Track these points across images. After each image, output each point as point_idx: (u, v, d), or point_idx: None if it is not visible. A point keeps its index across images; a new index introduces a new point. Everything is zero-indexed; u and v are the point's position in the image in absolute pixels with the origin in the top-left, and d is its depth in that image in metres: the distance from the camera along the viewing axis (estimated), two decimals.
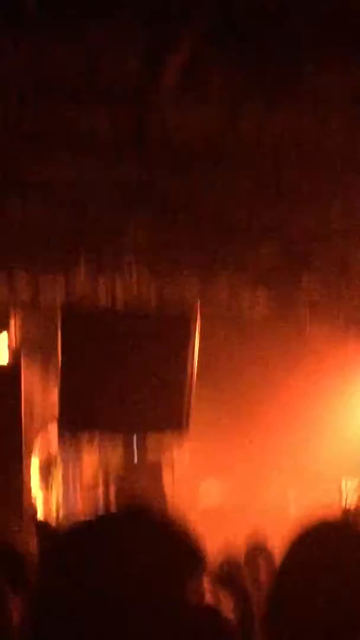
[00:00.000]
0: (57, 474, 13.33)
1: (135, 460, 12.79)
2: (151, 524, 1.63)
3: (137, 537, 1.59)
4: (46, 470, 13.08)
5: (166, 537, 1.61)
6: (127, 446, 12.63)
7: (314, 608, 1.93)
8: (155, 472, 13.32)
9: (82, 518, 1.67)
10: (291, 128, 7.56)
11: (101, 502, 12.86)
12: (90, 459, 13.51)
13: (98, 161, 8.36)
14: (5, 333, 12.39)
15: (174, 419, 11.83)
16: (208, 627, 1.56)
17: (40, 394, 13.11)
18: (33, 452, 12.69)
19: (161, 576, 1.53)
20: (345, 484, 9.56)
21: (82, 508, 13.37)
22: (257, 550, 6.74)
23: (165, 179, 8.84)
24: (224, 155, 8.34)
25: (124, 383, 11.65)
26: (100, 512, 1.88)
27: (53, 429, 12.32)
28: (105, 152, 8.14)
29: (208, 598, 1.56)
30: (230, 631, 2.31)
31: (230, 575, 4.10)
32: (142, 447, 12.58)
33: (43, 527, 6.87)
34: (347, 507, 8.88)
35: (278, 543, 7.05)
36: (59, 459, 13.18)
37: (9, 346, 12.31)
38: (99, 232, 10.19)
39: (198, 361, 11.82)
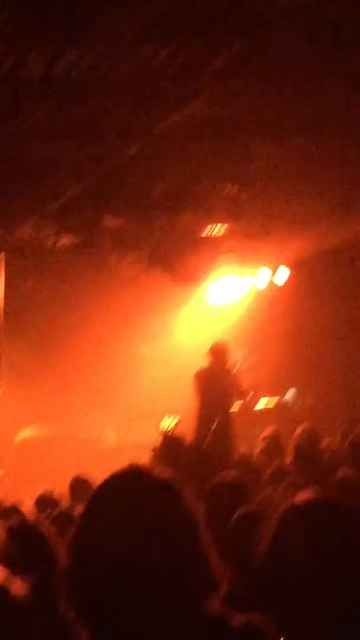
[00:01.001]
0: None
1: None
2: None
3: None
4: None
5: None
6: None
7: (113, 560, 1.94)
8: None
9: None
10: (83, 65, 7.64)
11: None
12: None
13: None
14: None
15: None
16: None
17: None
18: None
19: None
20: (165, 423, 9.94)
21: None
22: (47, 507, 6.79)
23: None
24: (19, 98, 8.34)
25: None
26: None
27: None
28: None
29: None
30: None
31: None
32: None
33: None
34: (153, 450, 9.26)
35: (97, 473, 7.33)
36: None
37: None
38: None
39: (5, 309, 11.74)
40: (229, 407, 11.57)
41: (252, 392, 13.09)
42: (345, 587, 1.93)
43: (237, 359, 15.21)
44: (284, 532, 2.00)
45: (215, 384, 11.38)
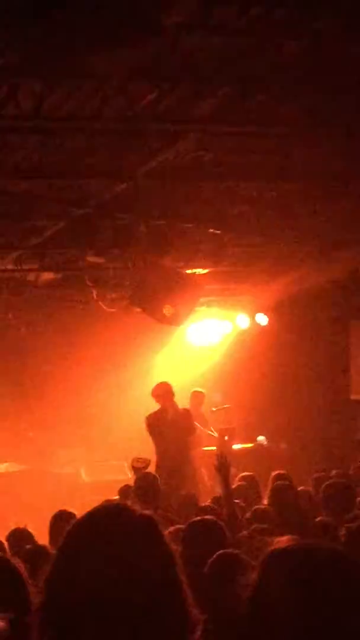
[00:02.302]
0: None
1: None
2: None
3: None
4: None
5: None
6: None
7: (89, 597, 1.89)
8: None
9: None
10: (71, 103, 7.69)
11: None
12: None
13: None
14: None
15: None
16: None
17: None
18: None
19: None
20: (134, 463, 9.94)
21: None
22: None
23: None
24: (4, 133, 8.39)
25: None
26: None
27: None
28: None
29: None
30: None
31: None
32: None
33: None
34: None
35: (72, 505, 7.23)
36: None
37: None
38: None
39: None
40: (182, 445, 11.60)
41: (226, 437, 13.13)
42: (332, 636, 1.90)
43: (214, 401, 15.28)
44: (266, 580, 1.95)
45: (163, 424, 11.46)
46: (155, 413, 11.69)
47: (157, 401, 11.71)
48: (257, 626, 1.92)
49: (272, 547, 2.00)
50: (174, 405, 11.79)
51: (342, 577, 1.91)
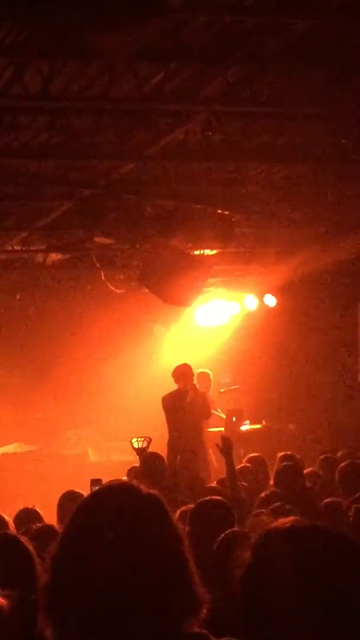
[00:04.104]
0: None
1: None
2: None
3: None
4: None
5: None
6: None
7: (95, 574, 1.91)
8: None
9: None
10: (79, 84, 7.68)
11: None
12: None
13: None
14: None
15: None
16: None
17: None
18: None
19: None
20: (135, 443, 9.97)
21: None
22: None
23: None
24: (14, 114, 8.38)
25: None
26: None
27: None
28: None
29: None
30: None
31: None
32: None
33: None
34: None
35: (80, 486, 7.24)
36: None
37: None
38: None
39: None
40: (198, 428, 11.65)
41: (233, 418, 13.15)
42: (331, 614, 1.88)
43: (223, 382, 15.28)
44: (258, 559, 1.93)
45: (181, 406, 11.49)
46: (173, 393, 11.67)
47: (177, 382, 11.69)
48: (249, 605, 1.90)
49: (267, 527, 1.98)
50: (194, 387, 11.79)
51: (335, 558, 1.88)
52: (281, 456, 9.04)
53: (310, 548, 1.90)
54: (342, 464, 8.63)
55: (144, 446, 9.83)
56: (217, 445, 8.22)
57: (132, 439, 9.93)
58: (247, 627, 1.92)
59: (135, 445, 9.84)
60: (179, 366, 11.88)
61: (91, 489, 2.83)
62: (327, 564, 1.87)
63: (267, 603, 1.88)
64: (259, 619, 1.90)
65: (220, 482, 8.36)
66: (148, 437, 9.97)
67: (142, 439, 9.92)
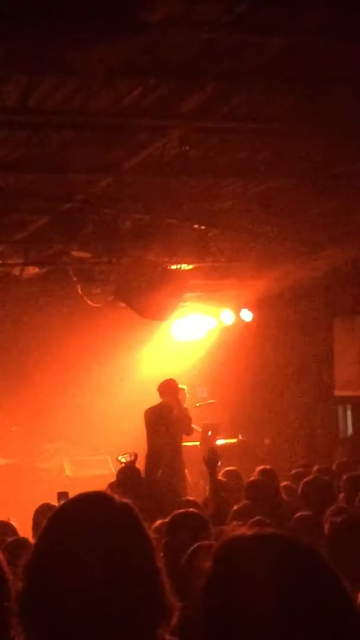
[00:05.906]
0: None
1: None
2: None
3: None
4: None
5: None
6: None
7: (68, 582, 1.92)
8: None
9: None
10: (56, 97, 7.71)
11: None
12: None
13: None
14: None
15: None
16: None
17: None
18: None
19: None
20: (121, 458, 9.98)
21: None
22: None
23: None
24: None
25: None
26: None
27: None
28: None
29: None
30: None
31: None
32: None
33: None
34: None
35: (55, 499, 7.24)
36: None
37: None
38: None
39: None
40: (179, 443, 11.67)
41: (209, 433, 13.19)
42: (292, 623, 1.87)
43: (200, 396, 15.31)
44: (217, 569, 1.89)
45: (163, 420, 11.50)
46: (156, 407, 11.66)
47: (162, 396, 11.70)
48: (209, 615, 1.86)
49: (227, 536, 1.94)
50: (179, 402, 11.81)
51: (296, 567, 1.85)
52: (259, 470, 9.11)
53: (272, 557, 1.87)
54: (306, 479, 8.70)
55: (130, 460, 9.86)
56: (204, 457, 8.25)
57: (119, 456, 9.96)
58: (207, 638, 1.91)
59: (123, 460, 9.87)
60: (166, 380, 11.89)
61: (58, 502, 2.84)
62: (288, 572, 1.86)
63: (228, 612, 1.85)
64: (219, 630, 1.87)
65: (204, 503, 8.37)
66: (134, 453, 10.00)
67: (128, 454, 9.95)
